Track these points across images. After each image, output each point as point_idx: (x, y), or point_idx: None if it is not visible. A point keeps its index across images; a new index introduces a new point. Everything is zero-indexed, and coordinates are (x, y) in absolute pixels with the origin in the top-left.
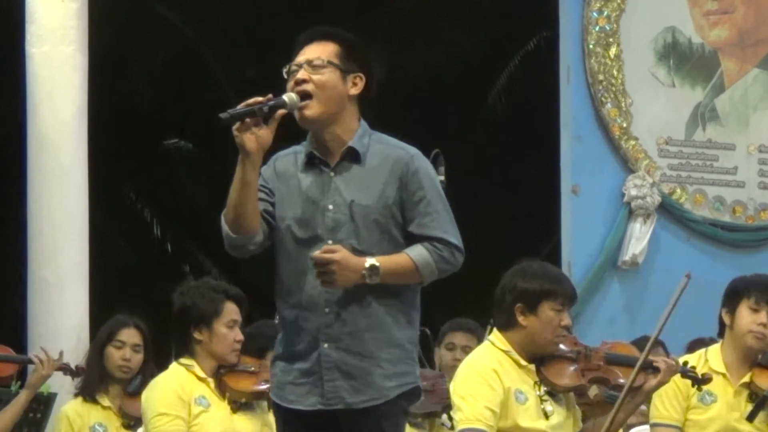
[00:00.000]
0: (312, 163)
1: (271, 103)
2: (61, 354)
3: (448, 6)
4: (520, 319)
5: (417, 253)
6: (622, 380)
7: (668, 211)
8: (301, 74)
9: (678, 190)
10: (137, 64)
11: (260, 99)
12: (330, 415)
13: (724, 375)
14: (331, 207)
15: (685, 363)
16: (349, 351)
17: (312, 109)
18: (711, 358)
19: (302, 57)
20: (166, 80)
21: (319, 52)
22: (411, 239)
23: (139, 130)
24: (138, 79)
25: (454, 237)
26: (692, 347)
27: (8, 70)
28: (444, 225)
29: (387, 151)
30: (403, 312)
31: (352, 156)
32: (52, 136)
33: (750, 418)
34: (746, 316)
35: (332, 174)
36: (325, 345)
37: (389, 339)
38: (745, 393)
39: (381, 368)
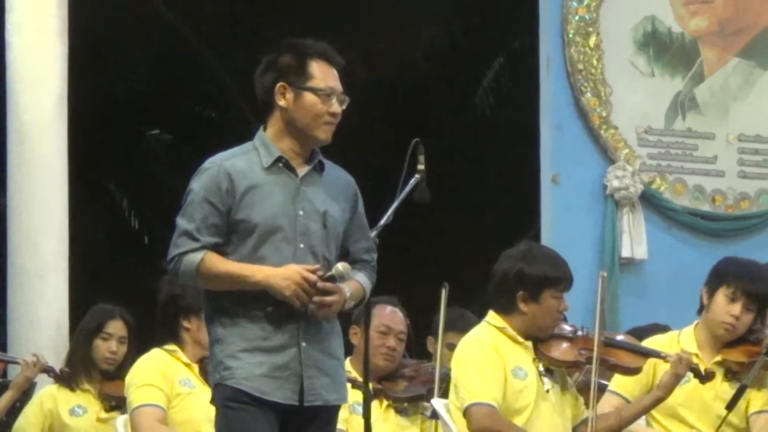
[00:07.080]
0: (277, 166)
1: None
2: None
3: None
4: (521, 305)
5: (365, 281)
6: (618, 362)
7: (648, 200)
8: (338, 109)
9: (658, 180)
10: (118, 54)
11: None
12: (297, 410)
13: (696, 355)
14: (301, 213)
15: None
16: (323, 351)
17: (330, 134)
18: (683, 340)
19: (334, 83)
20: (146, 71)
21: (339, 82)
22: (345, 253)
23: (119, 121)
24: (119, 69)
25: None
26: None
27: None
28: (372, 248)
29: (335, 170)
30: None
31: (319, 168)
32: (33, 125)
33: (729, 407)
34: (721, 305)
35: (299, 182)
36: (304, 344)
37: (339, 344)
38: (720, 371)
39: (344, 369)
